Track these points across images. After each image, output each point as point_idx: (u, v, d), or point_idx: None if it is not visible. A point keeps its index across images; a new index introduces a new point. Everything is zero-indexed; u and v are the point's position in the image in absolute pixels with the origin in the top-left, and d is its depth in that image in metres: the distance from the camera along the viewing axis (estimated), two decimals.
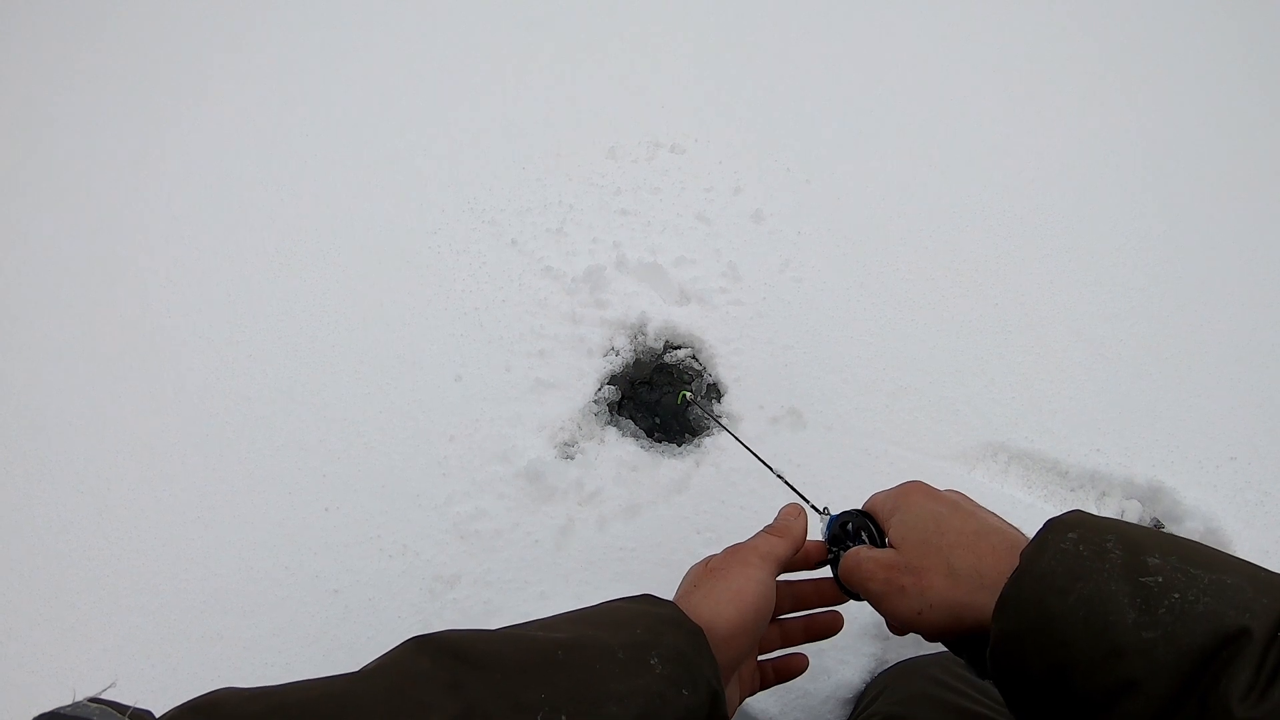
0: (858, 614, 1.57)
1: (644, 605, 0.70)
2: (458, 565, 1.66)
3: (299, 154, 2.42)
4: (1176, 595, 0.54)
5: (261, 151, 2.44)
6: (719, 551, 0.82)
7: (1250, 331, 2.07)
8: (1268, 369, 2.00)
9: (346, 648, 1.60)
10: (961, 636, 0.71)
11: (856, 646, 1.55)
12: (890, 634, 1.54)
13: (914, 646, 1.55)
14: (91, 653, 1.60)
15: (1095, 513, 1.70)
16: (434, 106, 2.56)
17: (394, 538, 1.69)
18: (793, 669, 0.91)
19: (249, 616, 1.62)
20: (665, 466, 1.77)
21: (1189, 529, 1.74)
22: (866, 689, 1.49)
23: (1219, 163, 2.47)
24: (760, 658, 0.90)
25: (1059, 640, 0.57)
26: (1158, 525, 1.78)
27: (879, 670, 1.53)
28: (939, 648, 1.52)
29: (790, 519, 0.86)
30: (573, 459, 1.77)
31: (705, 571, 0.78)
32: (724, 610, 0.72)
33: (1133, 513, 1.78)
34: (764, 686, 0.89)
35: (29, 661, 1.59)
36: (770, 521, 0.87)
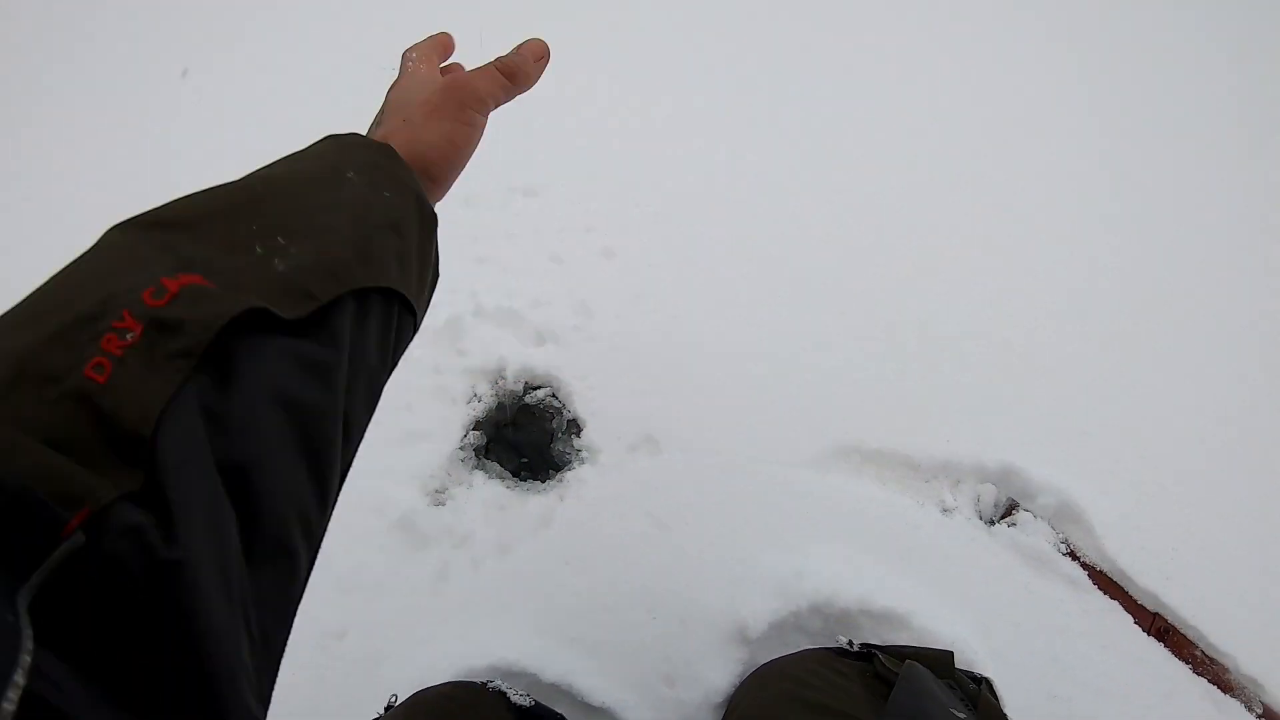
0: (719, 619, 1.71)
1: (328, 140, 0.63)
2: (344, 618, 1.73)
3: None
4: None
5: None
6: (420, 65, 0.74)
7: (1089, 310, 2.26)
8: (1109, 348, 2.19)
9: None
10: None
11: (723, 651, 1.68)
12: (750, 633, 1.68)
13: (780, 648, 1.68)
14: None
15: (949, 499, 1.87)
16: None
17: None
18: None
19: None
20: (531, 503, 1.88)
21: (1042, 504, 1.89)
22: (734, 694, 1.59)
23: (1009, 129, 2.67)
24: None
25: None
26: (1012, 505, 1.94)
27: (746, 673, 1.63)
28: (803, 645, 1.68)
29: (530, 62, 0.74)
30: (444, 505, 1.87)
31: (421, 106, 0.68)
32: (431, 155, 0.67)
33: (987, 496, 1.93)
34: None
35: None
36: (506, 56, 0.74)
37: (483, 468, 1.95)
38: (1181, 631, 1.77)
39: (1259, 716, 1.69)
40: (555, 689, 1.64)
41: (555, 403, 2.05)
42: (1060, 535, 1.89)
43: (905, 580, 1.79)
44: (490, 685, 1.37)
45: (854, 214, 2.51)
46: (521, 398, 2.05)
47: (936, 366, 2.13)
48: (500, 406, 2.04)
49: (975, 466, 1.95)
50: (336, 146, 0.61)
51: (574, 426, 2.00)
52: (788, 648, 1.62)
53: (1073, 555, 1.86)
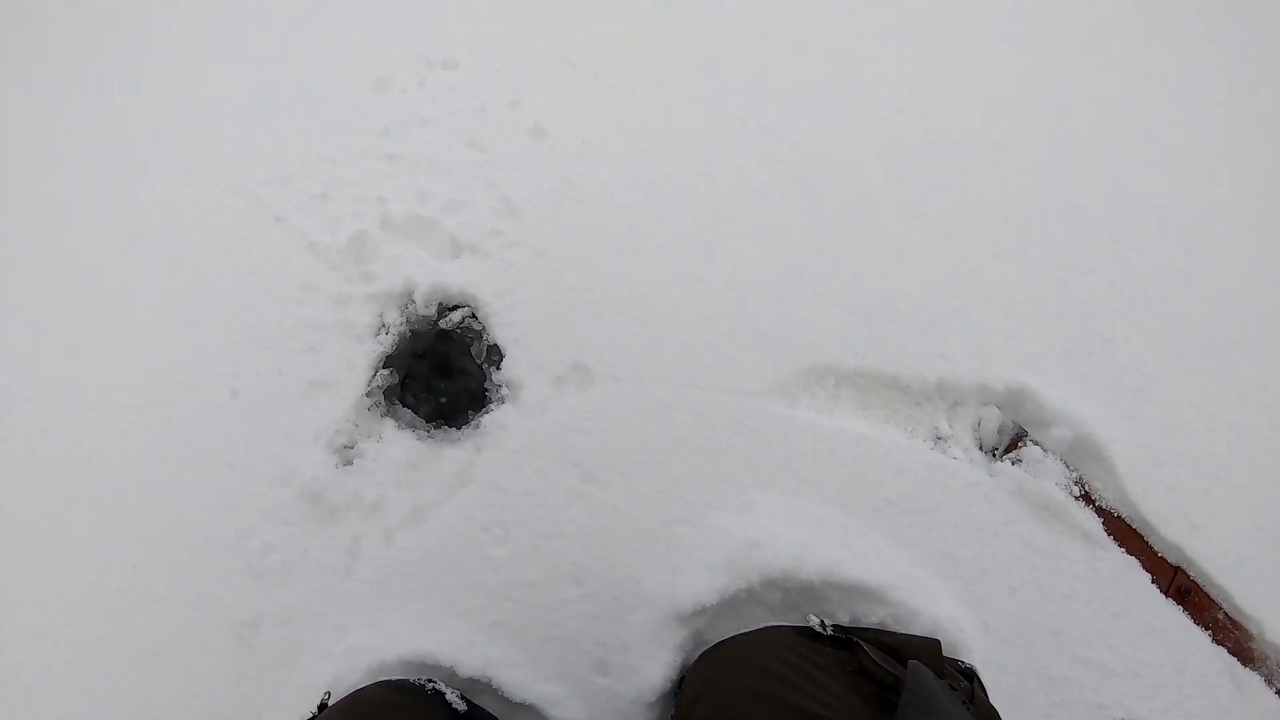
0: (658, 596, 1.46)
1: None
2: (257, 606, 1.57)
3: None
4: None
5: None
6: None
7: (1123, 185, 1.82)
8: (1142, 229, 1.76)
9: (170, 708, 1.54)
10: None
11: (660, 637, 1.44)
12: (694, 613, 1.43)
13: (734, 623, 1.44)
14: None
15: (945, 426, 1.55)
16: (179, 63, 2.27)
17: (196, 587, 1.60)
18: None
19: (89, 694, 1.56)
20: (446, 458, 1.63)
21: (1055, 436, 1.58)
22: (684, 683, 1.37)
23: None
24: None
25: None
26: (1019, 435, 1.62)
27: (689, 661, 1.42)
28: (763, 620, 1.42)
29: None
30: (352, 464, 1.64)
31: None
32: None
33: (991, 420, 1.62)
34: None
35: None
36: None
37: (393, 414, 1.70)
38: (1204, 590, 1.55)
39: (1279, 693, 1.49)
40: (474, 683, 1.45)
41: (475, 325, 1.75)
42: (1074, 473, 1.61)
43: (883, 541, 1.53)
44: (430, 686, 1.26)
45: (843, 66, 2.05)
46: (435, 323, 1.76)
47: (933, 261, 1.76)
48: (414, 335, 1.75)
49: (977, 387, 1.63)
50: None
51: (494, 355, 1.71)
52: (743, 623, 1.42)
53: (1087, 499, 1.60)
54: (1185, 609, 1.53)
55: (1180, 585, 1.55)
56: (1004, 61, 2.13)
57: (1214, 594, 1.55)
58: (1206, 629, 1.53)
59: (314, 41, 2.24)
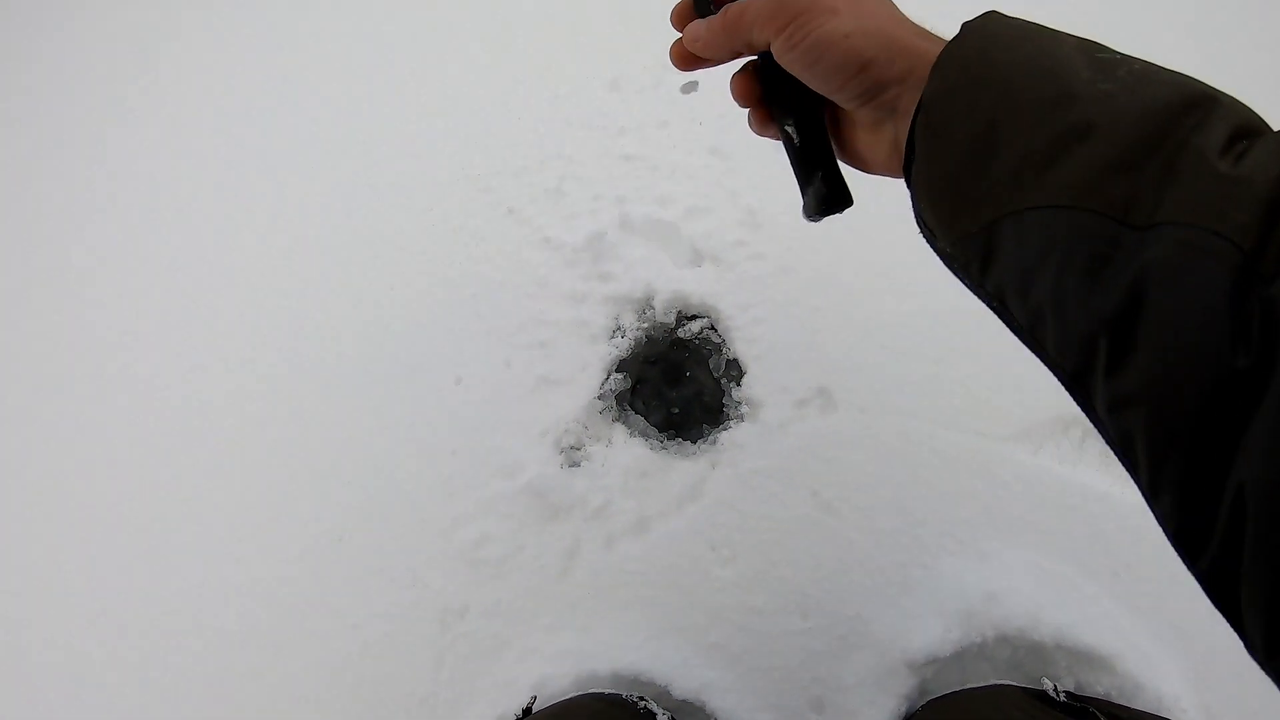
0: (885, 640, 1.38)
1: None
2: (466, 595, 1.56)
3: (277, 142, 2.23)
4: (1136, 65, 0.46)
5: (226, 147, 2.26)
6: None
7: None
8: None
9: (370, 682, 1.53)
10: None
11: (883, 682, 1.36)
12: (925, 663, 1.34)
13: (958, 677, 1.35)
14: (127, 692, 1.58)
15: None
16: (415, 55, 2.30)
17: (404, 567, 1.59)
18: None
19: (280, 651, 1.57)
20: (677, 471, 1.58)
21: None
22: None
23: None
24: None
25: (1001, 89, 0.48)
26: None
27: (910, 710, 1.34)
28: (988, 677, 1.33)
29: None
30: (579, 465, 1.61)
31: None
32: None
33: None
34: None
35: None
36: None
37: (624, 420, 1.65)
38: None
39: None
40: (686, 705, 1.39)
41: (714, 338, 1.70)
42: None
43: (1117, 608, 1.41)
44: (642, 705, 1.24)
45: None
46: (674, 331, 1.72)
47: None
48: (650, 340, 1.71)
49: None
50: None
51: (733, 370, 1.65)
52: (968, 677, 1.35)
53: None
54: None
55: None
56: None
57: None
58: None
59: (549, 38, 2.24)
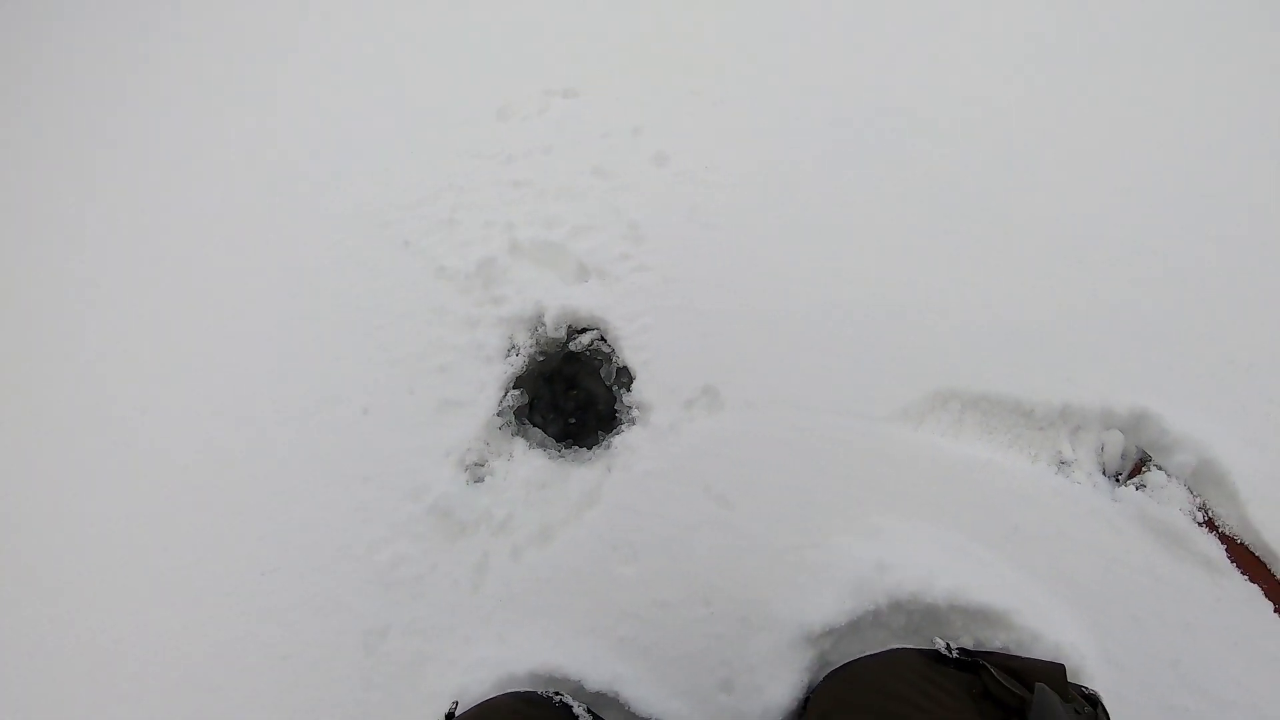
0: (785, 617, 1.46)
1: None
2: (386, 616, 1.61)
3: (181, 193, 2.28)
4: None
5: (131, 191, 2.31)
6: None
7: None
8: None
9: (303, 711, 1.57)
10: None
11: (785, 657, 1.43)
12: (821, 634, 1.42)
13: (858, 645, 1.44)
14: None
15: (1068, 450, 1.53)
16: (310, 94, 2.37)
17: (327, 595, 1.64)
18: None
19: (218, 692, 1.61)
20: (575, 478, 1.65)
21: (1179, 462, 1.54)
22: (810, 703, 1.36)
23: None
24: None
25: None
26: (1142, 460, 1.58)
27: (814, 681, 1.40)
28: (888, 642, 1.41)
29: None
30: (482, 481, 1.68)
31: None
32: None
33: (1114, 445, 1.59)
34: None
35: None
36: None
37: (523, 434, 1.73)
38: None
39: None
40: (601, 697, 1.45)
41: (605, 348, 1.78)
42: (1198, 499, 1.55)
43: (1008, 567, 1.50)
44: (557, 699, 1.29)
45: (981, 92, 2.06)
46: (565, 345, 1.79)
47: (1065, 286, 1.75)
48: (544, 357, 1.78)
49: (1101, 411, 1.60)
50: None
51: (624, 377, 1.73)
52: (866, 645, 1.42)
53: (1210, 525, 1.53)
54: None
55: None
56: (1150, 90, 2.11)
57: None
58: None
59: (438, 73, 2.32)
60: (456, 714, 1.23)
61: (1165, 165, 1.94)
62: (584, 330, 1.80)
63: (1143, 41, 2.18)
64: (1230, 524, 1.53)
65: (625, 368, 1.74)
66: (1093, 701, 1.03)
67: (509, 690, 1.44)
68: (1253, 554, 1.51)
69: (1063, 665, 1.04)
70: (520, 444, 1.71)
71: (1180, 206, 1.87)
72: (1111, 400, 1.60)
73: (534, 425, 1.77)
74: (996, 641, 1.42)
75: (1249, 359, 1.65)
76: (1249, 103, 2.05)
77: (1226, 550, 1.51)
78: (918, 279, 1.75)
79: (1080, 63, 2.14)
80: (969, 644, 1.42)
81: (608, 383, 1.76)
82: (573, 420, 1.77)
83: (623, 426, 1.70)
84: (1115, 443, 1.58)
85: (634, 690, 1.45)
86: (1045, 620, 1.43)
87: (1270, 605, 1.47)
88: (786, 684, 1.41)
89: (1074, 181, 1.90)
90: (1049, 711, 0.91)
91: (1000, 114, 2.04)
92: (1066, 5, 2.28)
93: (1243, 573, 1.49)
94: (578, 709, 1.27)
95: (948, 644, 1.14)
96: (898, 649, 1.24)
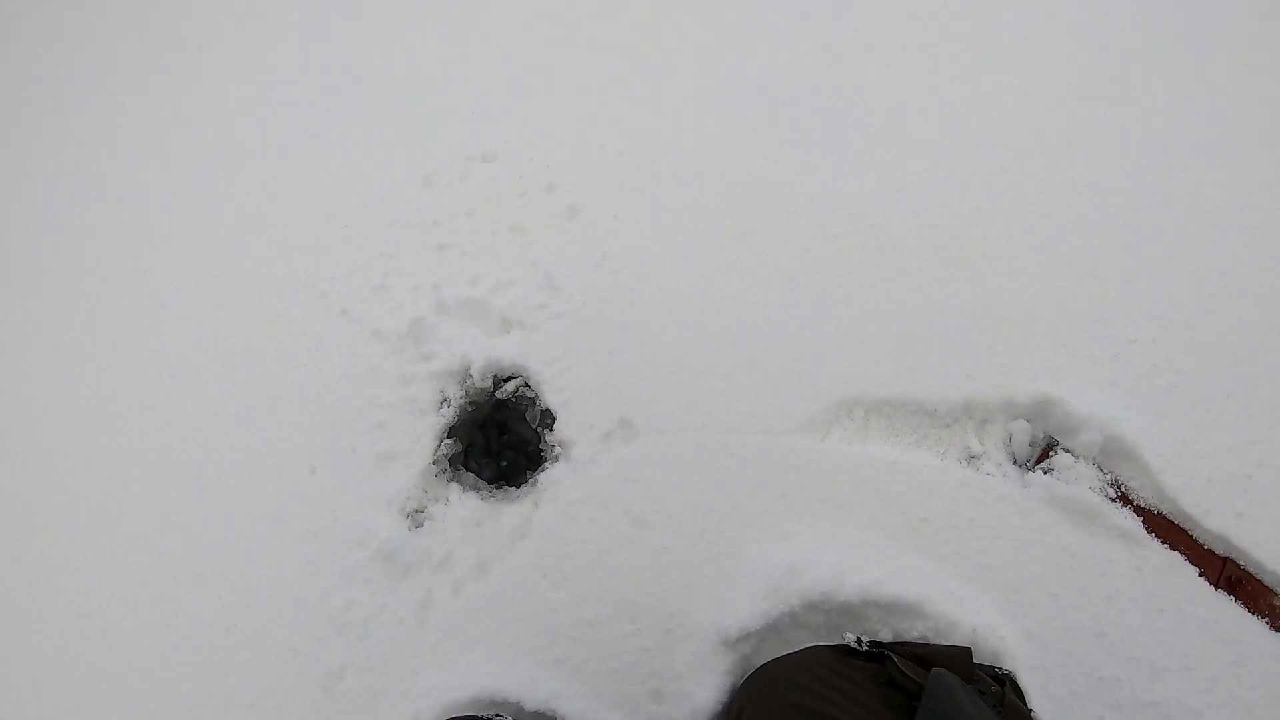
0: (706, 627, 1.57)
1: None
2: (341, 657, 1.71)
3: (132, 271, 2.41)
4: None
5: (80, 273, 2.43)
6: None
7: (1136, 186, 1.97)
8: (1160, 227, 1.86)
9: None
10: None
11: (709, 663, 1.55)
12: (740, 639, 1.54)
13: (780, 646, 1.55)
14: None
15: (976, 444, 1.65)
16: (244, 170, 2.52)
17: (285, 644, 1.74)
18: None
19: None
20: (507, 514, 1.78)
21: (1085, 441, 1.64)
22: (729, 705, 1.47)
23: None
24: None
25: None
26: (1050, 445, 1.69)
27: (738, 684, 1.51)
28: (807, 641, 1.52)
29: None
30: (422, 525, 1.80)
31: None
32: None
33: (1021, 433, 1.69)
34: None
35: None
36: None
37: (458, 479, 1.86)
38: (1257, 578, 1.51)
39: None
40: (540, 716, 1.57)
41: (529, 393, 1.91)
42: (1108, 476, 1.63)
43: (920, 558, 1.60)
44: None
45: (857, 112, 2.22)
46: (492, 393, 1.93)
47: (951, 288, 1.88)
48: (475, 406, 1.92)
49: (1004, 403, 1.71)
50: None
51: (547, 418, 1.87)
52: (789, 646, 1.51)
53: (1124, 499, 1.61)
54: (1238, 599, 1.51)
55: (1231, 575, 1.52)
56: (1008, 85, 2.25)
57: (1268, 581, 1.51)
58: (1263, 617, 1.49)
59: (364, 145, 2.48)
60: None
61: (1026, 154, 2.09)
62: (509, 378, 1.94)
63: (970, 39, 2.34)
64: (1146, 495, 1.61)
65: (548, 409, 1.88)
66: (1000, 681, 1.12)
67: (452, 716, 1.54)
68: (1171, 522, 1.58)
69: (968, 649, 1.13)
70: (455, 488, 1.84)
71: (1047, 194, 2.01)
72: (1012, 391, 1.71)
73: (469, 470, 1.89)
74: (914, 631, 1.52)
75: (1138, 333, 1.76)
76: (1097, 81, 2.20)
77: (1143, 522, 1.58)
78: (809, 300, 1.89)
79: (915, 66, 2.30)
80: (886, 636, 1.52)
81: (534, 425, 1.89)
82: (504, 463, 1.90)
83: (548, 464, 1.83)
84: (1022, 431, 1.69)
85: (570, 706, 1.56)
86: (959, 605, 1.53)
87: (1194, 570, 1.53)
88: (712, 688, 1.53)
89: (945, 187, 2.04)
90: (942, 692, 0.98)
91: (872, 130, 2.19)
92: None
93: (1162, 542, 1.55)
94: None
95: (858, 638, 1.23)
96: (811, 646, 1.32)
